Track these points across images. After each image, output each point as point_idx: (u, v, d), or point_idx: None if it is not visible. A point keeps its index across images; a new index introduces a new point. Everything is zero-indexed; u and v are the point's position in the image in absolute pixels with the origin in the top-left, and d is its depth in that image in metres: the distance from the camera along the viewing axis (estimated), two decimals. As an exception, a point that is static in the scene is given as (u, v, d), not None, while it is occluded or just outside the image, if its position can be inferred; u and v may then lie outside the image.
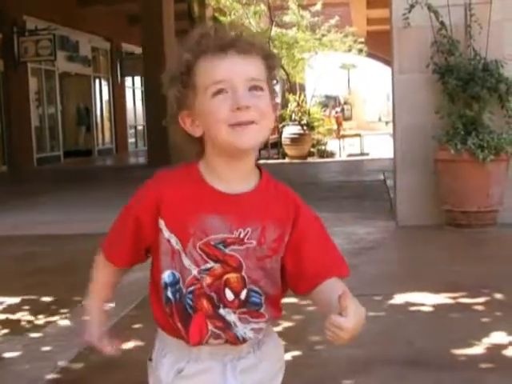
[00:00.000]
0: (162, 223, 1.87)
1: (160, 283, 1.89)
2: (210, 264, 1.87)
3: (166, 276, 1.88)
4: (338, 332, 1.67)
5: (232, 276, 1.88)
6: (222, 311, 1.89)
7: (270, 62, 1.91)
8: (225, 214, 1.87)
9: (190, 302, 1.88)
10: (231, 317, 1.90)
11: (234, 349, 1.94)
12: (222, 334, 1.89)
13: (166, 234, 1.87)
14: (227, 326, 1.90)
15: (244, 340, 1.92)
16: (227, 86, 1.81)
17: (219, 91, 1.82)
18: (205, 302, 1.88)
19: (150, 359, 2.01)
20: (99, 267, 2.04)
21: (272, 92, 1.91)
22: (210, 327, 1.88)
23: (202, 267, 1.86)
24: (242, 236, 1.88)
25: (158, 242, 1.89)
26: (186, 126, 1.90)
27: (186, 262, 1.86)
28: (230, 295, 1.89)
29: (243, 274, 1.89)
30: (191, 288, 1.87)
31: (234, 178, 1.90)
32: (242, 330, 1.91)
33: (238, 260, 1.88)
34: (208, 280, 1.87)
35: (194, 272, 1.87)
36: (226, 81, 1.81)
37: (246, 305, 1.91)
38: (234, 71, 1.82)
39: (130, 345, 4.50)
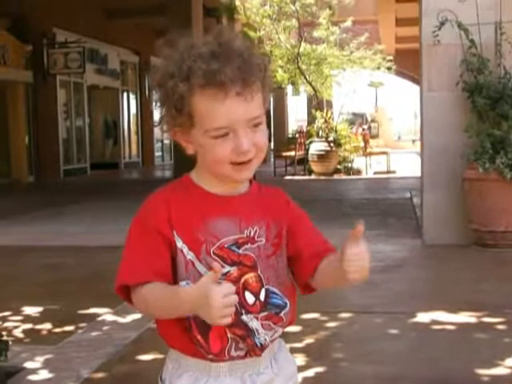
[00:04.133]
0: (174, 233, 1.84)
1: None
2: (226, 268, 1.84)
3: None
4: (359, 257, 1.76)
5: (250, 276, 1.87)
6: (244, 317, 1.86)
7: (267, 79, 1.86)
8: (231, 215, 1.87)
9: None
10: (254, 323, 1.87)
11: (253, 364, 1.91)
12: (241, 343, 1.86)
13: (179, 244, 1.84)
14: (248, 333, 1.87)
15: (262, 347, 1.89)
16: (229, 130, 1.78)
17: (220, 136, 1.79)
18: None
19: (162, 379, 1.96)
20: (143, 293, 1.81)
21: (264, 104, 1.87)
22: (230, 335, 1.85)
23: None
24: (252, 234, 1.88)
25: (174, 253, 1.86)
26: (177, 138, 1.88)
27: (202, 269, 1.83)
28: (250, 298, 1.87)
29: (259, 272, 1.88)
30: None
31: (226, 185, 1.89)
32: (263, 336, 1.89)
33: (253, 258, 1.87)
34: None
35: None
36: (227, 127, 1.78)
37: (267, 307, 1.89)
38: (236, 116, 1.77)
39: (153, 357, 4.49)
